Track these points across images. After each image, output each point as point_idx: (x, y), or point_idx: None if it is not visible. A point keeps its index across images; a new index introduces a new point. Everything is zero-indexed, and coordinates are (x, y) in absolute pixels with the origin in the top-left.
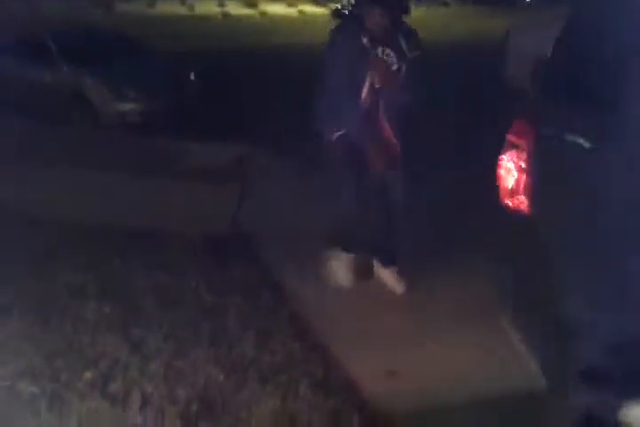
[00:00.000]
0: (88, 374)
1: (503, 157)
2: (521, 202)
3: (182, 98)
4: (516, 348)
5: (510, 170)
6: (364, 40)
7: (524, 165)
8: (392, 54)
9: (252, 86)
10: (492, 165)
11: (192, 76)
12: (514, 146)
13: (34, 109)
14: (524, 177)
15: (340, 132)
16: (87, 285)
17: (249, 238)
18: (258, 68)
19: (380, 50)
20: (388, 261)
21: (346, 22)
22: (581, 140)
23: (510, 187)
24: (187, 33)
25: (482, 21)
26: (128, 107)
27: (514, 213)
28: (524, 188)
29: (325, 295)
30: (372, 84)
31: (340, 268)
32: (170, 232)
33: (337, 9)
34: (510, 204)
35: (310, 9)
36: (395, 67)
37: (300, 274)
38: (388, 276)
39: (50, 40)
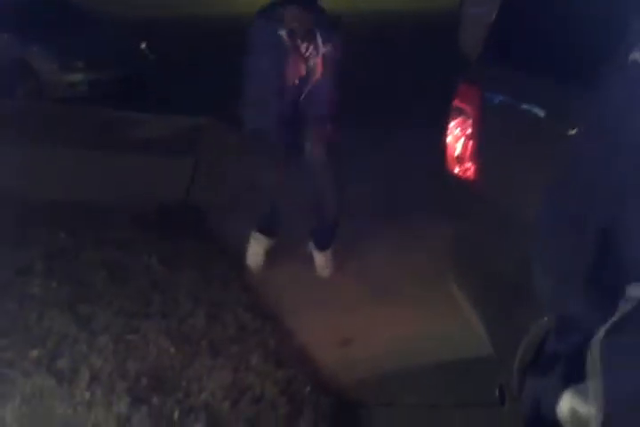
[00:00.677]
0: (34, 353)
1: (450, 123)
2: (467, 169)
3: (133, 68)
4: (464, 312)
5: (457, 136)
6: (282, 33)
7: (470, 132)
8: (311, 48)
9: (207, 56)
10: (441, 132)
11: (143, 46)
12: (460, 111)
13: None
14: (470, 143)
15: (264, 123)
16: (33, 261)
17: (201, 212)
18: (213, 37)
19: (299, 43)
20: (321, 245)
21: (269, 9)
22: (537, 110)
23: (457, 154)
24: (139, 1)
25: None
26: (76, 77)
27: (461, 180)
28: (471, 154)
29: (277, 267)
30: (292, 77)
31: (253, 249)
32: (121, 206)
33: None
34: (458, 170)
35: None
36: (314, 61)
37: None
38: (319, 259)
39: None
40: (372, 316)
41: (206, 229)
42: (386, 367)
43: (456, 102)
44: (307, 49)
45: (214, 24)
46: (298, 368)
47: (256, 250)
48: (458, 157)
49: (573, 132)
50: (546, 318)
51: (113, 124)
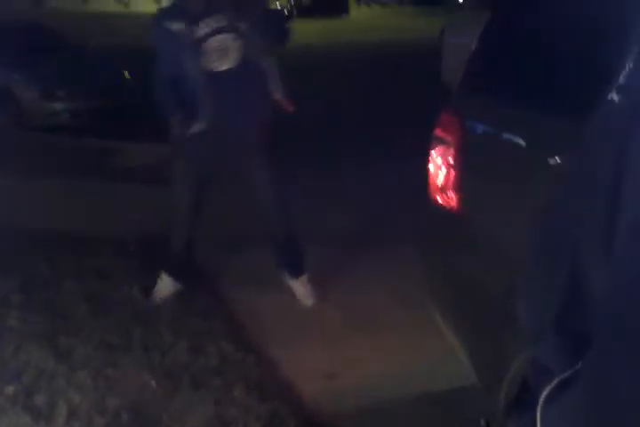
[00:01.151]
0: (10, 388)
1: (432, 152)
2: (450, 198)
3: (114, 96)
4: (447, 342)
5: (439, 165)
6: (178, 26)
7: (452, 161)
8: (221, 28)
9: None
10: (422, 161)
11: (125, 75)
12: (441, 141)
13: None
14: (452, 173)
15: (188, 128)
16: (11, 291)
17: None
18: None
19: (201, 28)
20: (292, 270)
21: (162, 12)
22: (518, 140)
23: (439, 183)
24: (121, 30)
25: (418, 21)
26: (57, 106)
27: (444, 209)
28: (453, 184)
29: (260, 298)
30: (204, 69)
31: (159, 290)
32: (103, 235)
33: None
34: (440, 200)
35: None
36: (230, 42)
37: (236, 277)
38: (297, 287)
39: None
40: (356, 346)
41: None
42: (371, 400)
43: (437, 131)
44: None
45: None
46: (281, 402)
47: (162, 293)
48: (440, 187)
49: (555, 161)
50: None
51: (95, 153)
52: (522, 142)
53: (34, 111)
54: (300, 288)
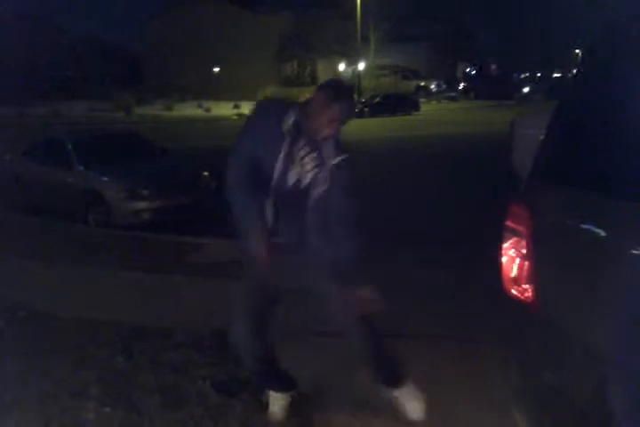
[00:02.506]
0: None
1: (505, 244)
2: (525, 290)
3: (195, 196)
4: None
5: (512, 257)
6: (290, 121)
7: (525, 252)
8: (314, 156)
9: None
10: (495, 252)
11: (205, 174)
12: (513, 232)
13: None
14: (526, 264)
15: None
16: (89, 384)
17: None
18: None
19: (300, 147)
20: (394, 382)
21: (279, 104)
22: (597, 229)
23: (513, 275)
24: (203, 133)
25: (484, 113)
26: (141, 205)
27: (519, 302)
28: (528, 275)
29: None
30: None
31: (272, 407)
32: (178, 329)
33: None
34: (515, 292)
35: None
36: (313, 170)
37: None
38: (406, 399)
39: (69, 143)
40: None
41: None
42: None
43: (508, 222)
44: (305, 154)
45: None
46: None
47: (274, 409)
48: (514, 279)
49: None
50: None
51: (174, 249)
52: (601, 232)
53: (120, 211)
54: (405, 397)
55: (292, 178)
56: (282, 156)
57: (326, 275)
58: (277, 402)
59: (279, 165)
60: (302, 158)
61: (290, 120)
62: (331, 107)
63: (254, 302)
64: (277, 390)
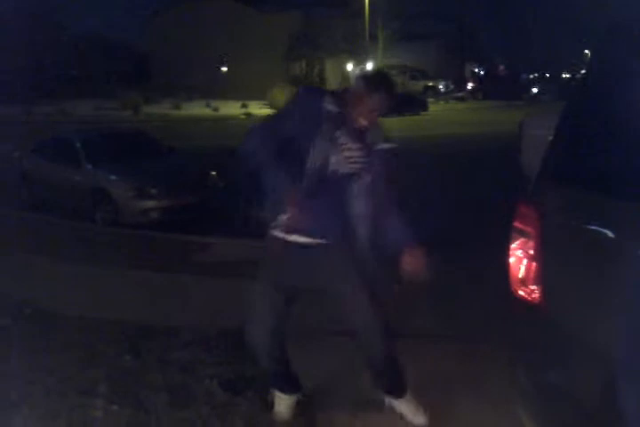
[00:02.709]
0: None
1: (512, 244)
2: (532, 291)
3: (202, 195)
4: None
5: (519, 258)
6: (331, 108)
7: (532, 253)
8: (353, 146)
9: None
10: (503, 253)
11: (213, 174)
12: (521, 232)
13: (61, 207)
14: (534, 265)
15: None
16: (97, 382)
17: None
18: None
19: (340, 135)
20: (396, 391)
21: (320, 90)
22: (605, 230)
23: (521, 276)
24: (210, 132)
25: (493, 113)
26: (149, 204)
27: (526, 303)
28: (535, 276)
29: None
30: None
31: (277, 407)
32: (185, 327)
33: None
34: (522, 293)
35: None
36: (357, 158)
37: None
38: (405, 408)
39: (77, 141)
40: None
41: None
42: None
43: (516, 223)
44: (347, 142)
45: None
46: None
47: (280, 409)
48: (522, 280)
49: None
50: None
51: (181, 248)
52: (609, 233)
53: (128, 209)
54: (406, 406)
55: (332, 165)
56: (319, 140)
57: (344, 274)
58: (283, 402)
59: (316, 150)
60: (343, 145)
61: (330, 106)
62: (371, 97)
63: (271, 302)
64: (286, 391)
